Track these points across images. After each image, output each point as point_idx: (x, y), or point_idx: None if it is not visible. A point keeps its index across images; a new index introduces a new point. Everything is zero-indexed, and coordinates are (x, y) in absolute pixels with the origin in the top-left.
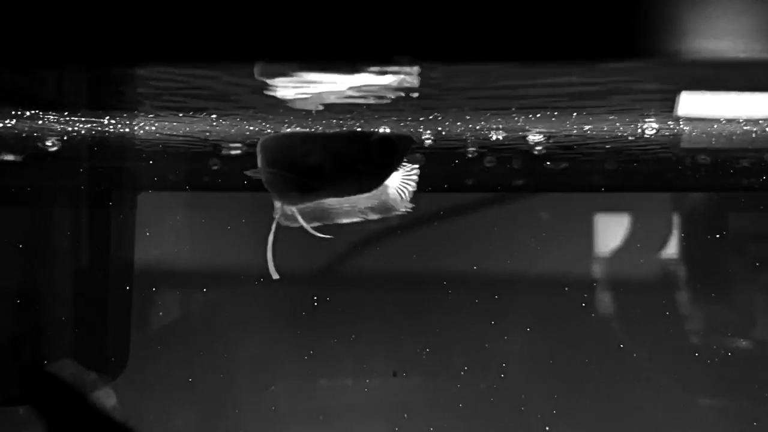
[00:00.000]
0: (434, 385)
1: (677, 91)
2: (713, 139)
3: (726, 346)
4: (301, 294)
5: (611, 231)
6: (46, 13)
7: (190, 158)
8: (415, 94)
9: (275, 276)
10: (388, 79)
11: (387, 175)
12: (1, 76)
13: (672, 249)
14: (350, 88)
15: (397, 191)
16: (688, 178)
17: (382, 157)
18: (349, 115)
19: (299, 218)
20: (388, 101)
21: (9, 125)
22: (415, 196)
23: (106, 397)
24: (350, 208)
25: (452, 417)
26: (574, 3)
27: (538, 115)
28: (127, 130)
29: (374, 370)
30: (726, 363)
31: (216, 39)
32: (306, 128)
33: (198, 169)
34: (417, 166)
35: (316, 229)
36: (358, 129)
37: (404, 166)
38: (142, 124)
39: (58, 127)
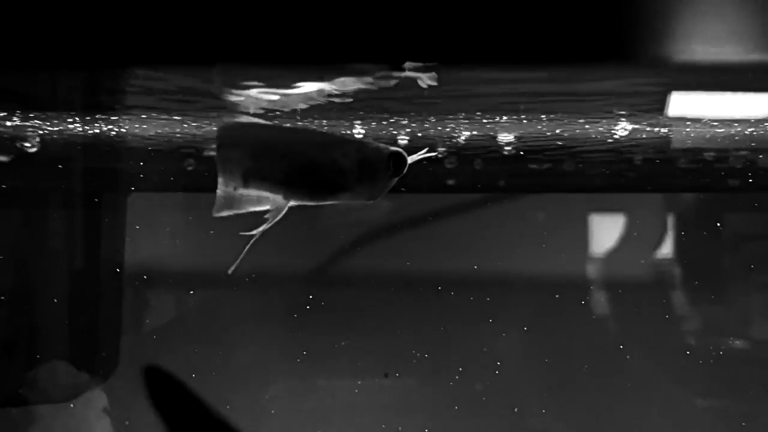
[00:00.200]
0: (430, 386)
1: (668, 92)
2: (705, 140)
3: (721, 346)
4: (295, 294)
5: (607, 231)
6: (34, 19)
7: (179, 158)
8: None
9: (230, 270)
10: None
11: (389, 187)
12: None
13: (667, 249)
14: (318, 91)
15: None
16: (683, 179)
17: (395, 169)
18: (325, 122)
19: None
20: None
21: None
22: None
23: (98, 399)
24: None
25: (448, 417)
26: (563, 9)
27: (529, 117)
28: (117, 131)
29: (369, 371)
30: (722, 363)
31: (208, 43)
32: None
33: (184, 169)
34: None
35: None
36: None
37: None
38: (134, 125)
39: (45, 129)
